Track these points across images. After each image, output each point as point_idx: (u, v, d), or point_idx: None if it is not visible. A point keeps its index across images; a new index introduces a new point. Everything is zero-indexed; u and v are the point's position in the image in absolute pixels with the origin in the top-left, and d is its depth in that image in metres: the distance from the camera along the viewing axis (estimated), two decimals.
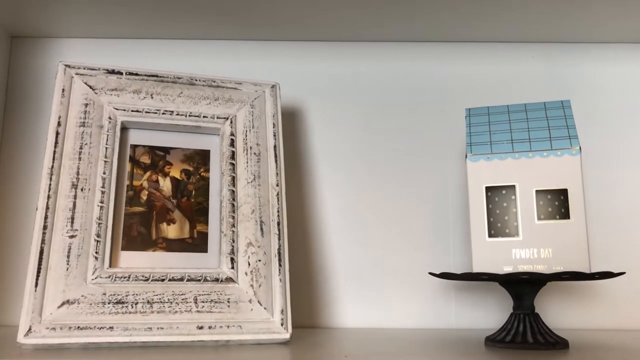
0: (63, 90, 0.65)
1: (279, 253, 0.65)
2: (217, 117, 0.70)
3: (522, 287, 0.61)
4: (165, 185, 0.67)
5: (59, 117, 0.64)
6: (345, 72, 0.90)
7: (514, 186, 0.62)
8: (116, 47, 0.88)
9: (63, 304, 0.56)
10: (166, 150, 0.69)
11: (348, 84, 0.89)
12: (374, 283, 0.83)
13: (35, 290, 0.56)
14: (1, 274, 0.79)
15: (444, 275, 0.62)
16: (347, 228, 0.84)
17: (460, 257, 0.83)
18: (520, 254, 0.61)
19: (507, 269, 0.61)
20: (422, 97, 0.89)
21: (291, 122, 0.87)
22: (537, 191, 0.62)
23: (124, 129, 0.68)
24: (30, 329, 0.54)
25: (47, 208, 0.59)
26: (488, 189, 0.63)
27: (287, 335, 0.61)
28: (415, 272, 0.83)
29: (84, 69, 0.67)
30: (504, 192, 0.63)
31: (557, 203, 0.61)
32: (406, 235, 0.84)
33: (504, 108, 0.67)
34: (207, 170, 0.69)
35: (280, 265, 0.65)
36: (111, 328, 0.56)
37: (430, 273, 0.65)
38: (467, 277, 0.60)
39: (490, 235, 0.62)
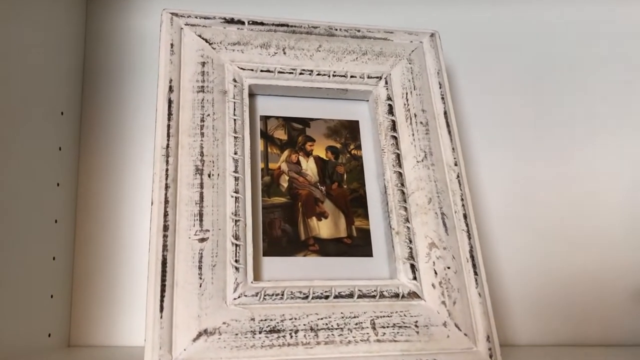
0: (172, 45, 0.49)
1: (472, 256, 0.47)
2: (368, 77, 0.53)
3: None
4: (310, 167, 0.50)
5: (170, 81, 0.48)
6: (504, 19, 0.71)
7: None
8: None
9: (199, 335, 0.40)
10: (305, 122, 0.52)
11: (507, 32, 0.70)
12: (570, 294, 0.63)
13: (161, 317, 0.40)
14: (102, 288, 0.64)
15: None
16: (511, 217, 0.65)
17: None
18: None
19: None
20: (607, 49, 0.70)
21: None
22: None
23: (251, 95, 0.51)
24: None
25: (167, 202, 0.43)
26: None
27: None
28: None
29: (196, 17, 0.51)
30: None
31: None
32: (596, 229, 0.65)
33: None
34: (359, 147, 0.52)
35: (475, 273, 0.47)
36: None
37: None
38: None
39: None
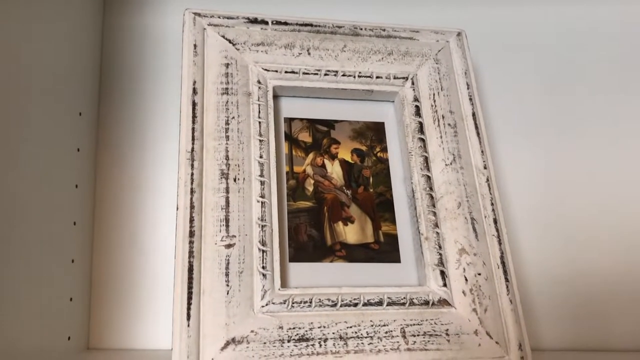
0: (195, 46, 0.48)
1: (503, 263, 0.46)
2: (394, 77, 0.51)
3: None
4: (335, 171, 0.49)
5: (194, 83, 0.47)
6: (529, 18, 0.69)
7: None
8: None
9: (227, 344, 0.39)
10: (330, 124, 0.51)
11: (532, 31, 0.69)
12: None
13: (188, 326, 0.39)
14: (121, 290, 0.63)
15: None
16: (537, 221, 0.64)
17: None
18: None
19: None
20: (634, 47, 0.68)
21: None
22: None
23: (275, 96, 0.50)
24: None
25: (192, 207, 0.42)
26: None
27: None
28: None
29: (219, 17, 0.50)
30: None
31: None
32: (625, 232, 0.63)
33: None
34: (385, 150, 0.51)
35: (507, 280, 0.46)
36: None
37: None
38: None
39: None
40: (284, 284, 0.44)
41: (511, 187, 0.64)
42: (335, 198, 0.48)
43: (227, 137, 0.45)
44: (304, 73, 0.50)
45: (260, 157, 0.45)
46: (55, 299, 0.53)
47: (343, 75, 0.50)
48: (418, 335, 0.42)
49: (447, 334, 0.43)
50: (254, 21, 0.50)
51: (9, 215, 0.44)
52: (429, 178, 0.48)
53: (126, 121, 0.64)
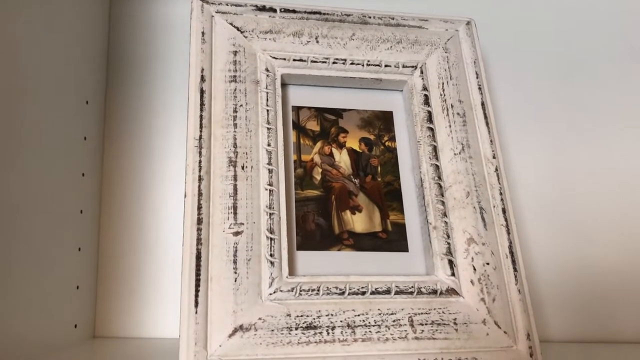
0: (203, 34, 0.48)
1: (511, 252, 0.46)
2: (403, 66, 0.51)
3: None
4: (343, 159, 0.49)
5: (202, 70, 0.46)
6: (539, 6, 0.68)
7: None
8: None
9: (235, 331, 0.39)
10: (338, 113, 0.51)
11: (542, 20, 0.68)
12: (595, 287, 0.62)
13: (196, 313, 0.39)
14: (127, 279, 0.63)
15: None
16: (545, 212, 0.64)
17: None
18: None
19: None
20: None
21: None
22: None
23: (283, 85, 0.50)
24: None
25: (200, 194, 0.42)
26: None
27: None
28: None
29: (227, 4, 0.50)
30: None
31: None
32: (634, 223, 0.63)
33: None
34: (393, 139, 0.51)
35: (515, 269, 0.46)
36: None
37: None
38: None
39: None
40: (292, 272, 0.44)
41: (520, 177, 0.64)
42: (343, 187, 0.48)
43: (235, 125, 0.45)
44: (312, 61, 0.49)
45: (268, 145, 0.45)
46: (62, 287, 0.53)
47: (351, 63, 0.50)
48: (426, 324, 0.42)
49: (455, 323, 0.43)
50: (262, 9, 0.50)
51: (15, 204, 0.44)
52: (437, 167, 0.48)
53: (133, 109, 0.64)
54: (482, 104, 0.51)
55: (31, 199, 0.47)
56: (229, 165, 0.44)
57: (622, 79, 0.68)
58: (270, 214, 0.43)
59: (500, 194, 0.48)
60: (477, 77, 0.52)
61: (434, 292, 0.43)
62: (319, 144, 0.49)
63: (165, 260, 0.60)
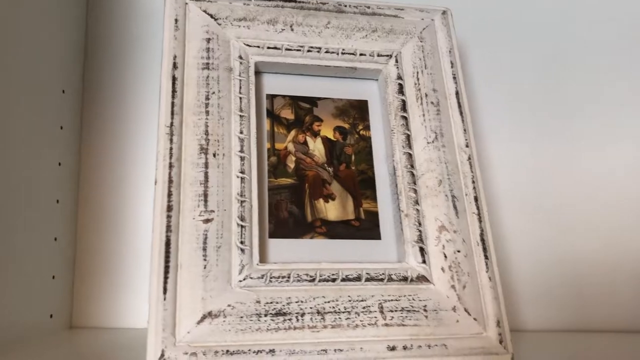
0: (176, 21, 0.48)
1: (483, 240, 0.46)
2: (378, 55, 0.51)
3: None
4: (317, 148, 0.49)
5: (174, 57, 0.46)
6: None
7: None
8: None
9: (204, 317, 0.39)
10: (312, 101, 0.51)
11: (520, 10, 0.68)
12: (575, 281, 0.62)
13: (164, 299, 0.39)
14: (104, 268, 0.63)
15: None
16: (521, 201, 0.64)
17: None
18: None
19: None
20: (626, 28, 0.68)
21: None
22: None
23: (257, 73, 0.50)
24: (162, 355, 0.38)
25: (170, 181, 0.42)
26: None
27: (508, 357, 0.43)
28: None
29: None
30: None
31: None
32: (607, 213, 0.64)
33: None
34: (368, 128, 0.51)
35: (486, 257, 0.46)
36: (272, 351, 0.39)
37: None
38: None
39: None
40: (263, 259, 0.44)
41: (497, 167, 0.64)
42: (317, 175, 0.48)
43: (207, 112, 0.45)
44: (287, 49, 0.49)
45: (241, 132, 0.45)
46: (38, 277, 0.52)
47: (326, 52, 0.50)
48: (396, 310, 0.42)
49: (425, 310, 0.43)
50: None
51: None
52: (410, 156, 0.48)
53: (110, 98, 0.63)
54: (457, 93, 0.51)
55: (6, 189, 0.47)
56: (200, 153, 0.44)
57: (600, 69, 0.68)
58: (241, 201, 0.43)
59: (473, 182, 0.48)
60: (452, 67, 0.52)
61: (405, 279, 0.44)
62: (293, 132, 0.49)
63: (142, 250, 0.60)
